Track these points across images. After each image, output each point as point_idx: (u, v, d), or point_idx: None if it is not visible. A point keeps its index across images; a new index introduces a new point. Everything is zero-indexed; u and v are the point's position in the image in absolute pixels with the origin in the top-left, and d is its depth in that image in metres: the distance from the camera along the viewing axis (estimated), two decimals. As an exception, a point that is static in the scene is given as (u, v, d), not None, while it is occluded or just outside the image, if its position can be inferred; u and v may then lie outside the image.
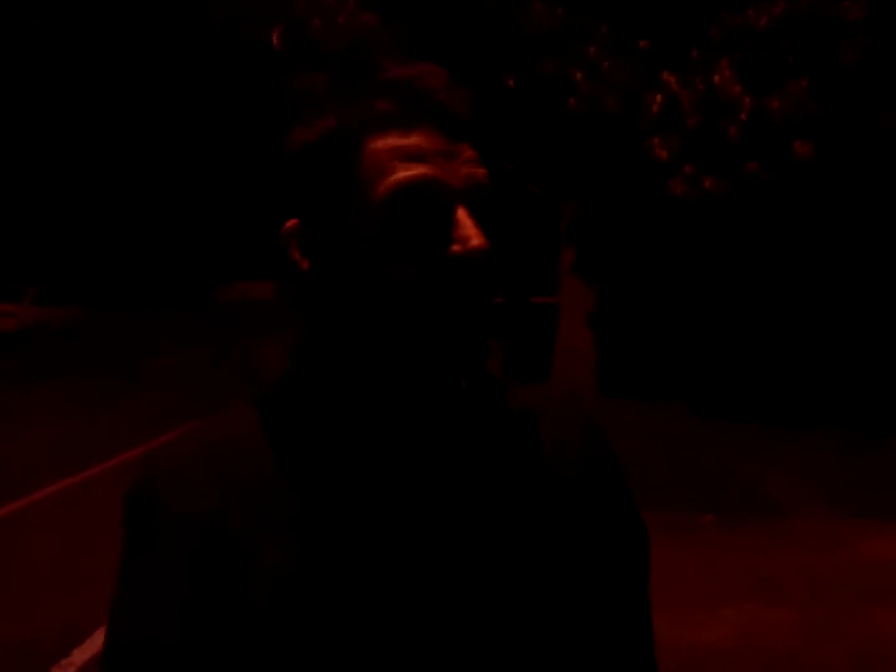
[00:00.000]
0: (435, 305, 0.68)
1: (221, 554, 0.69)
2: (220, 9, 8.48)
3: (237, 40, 8.54)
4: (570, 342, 10.51)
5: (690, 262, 10.43)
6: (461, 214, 0.69)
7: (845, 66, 7.90)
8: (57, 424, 8.77)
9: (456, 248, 0.68)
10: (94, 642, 3.75)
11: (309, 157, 0.72)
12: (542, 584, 0.72)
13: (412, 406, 0.73)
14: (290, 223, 0.73)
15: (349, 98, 0.73)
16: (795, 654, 3.82)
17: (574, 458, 0.79)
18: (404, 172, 0.68)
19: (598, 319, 10.67)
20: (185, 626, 0.68)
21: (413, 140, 0.69)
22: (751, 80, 8.03)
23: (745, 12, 8.08)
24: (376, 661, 0.67)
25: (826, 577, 4.72)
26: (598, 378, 10.49)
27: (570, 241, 10.50)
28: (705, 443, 8.14)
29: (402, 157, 0.69)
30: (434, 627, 0.68)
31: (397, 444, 0.72)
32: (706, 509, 5.94)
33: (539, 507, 0.75)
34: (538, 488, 0.76)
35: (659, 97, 8.20)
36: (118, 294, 26.55)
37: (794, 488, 6.58)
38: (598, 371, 10.56)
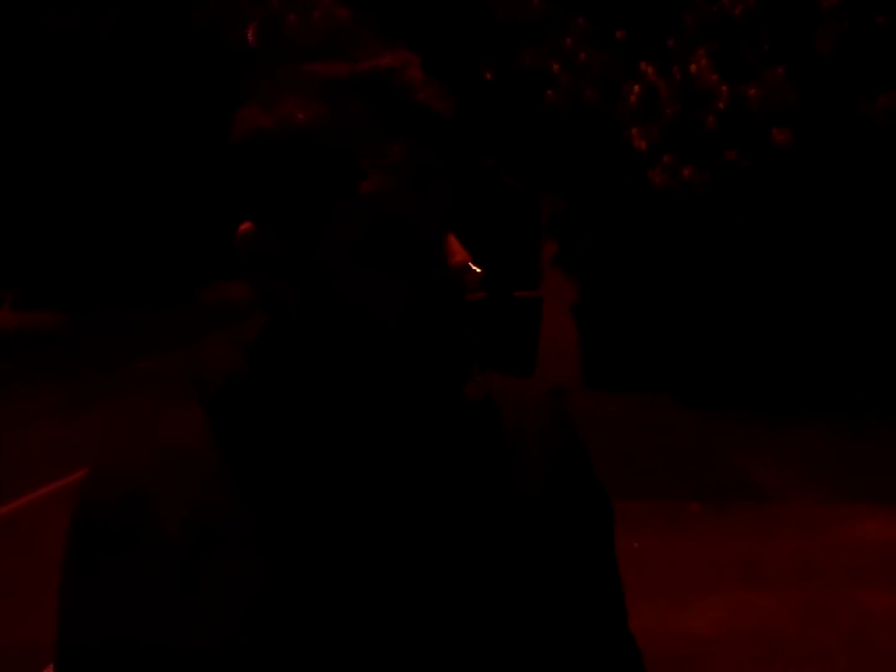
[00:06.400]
0: (422, 322, 0.66)
1: (175, 567, 0.66)
2: (194, 7, 8.42)
3: (214, 38, 8.47)
4: (553, 335, 10.54)
5: (671, 251, 10.47)
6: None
7: (821, 53, 7.94)
8: (41, 429, 8.70)
9: (448, 263, 0.66)
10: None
11: (262, 146, 0.64)
12: (513, 578, 0.69)
13: (380, 415, 0.68)
14: (244, 226, 0.66)
15: (317, 91, 0.63)
16: (785, 639, 3.85)
17: (536, 441, 0.76)
18: (382, 210, 0.63)
19: (582, 311, 10.70)
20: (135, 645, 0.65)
21: (391, 154, 0.63)
22: (728, 69, 8.06)
23: (720, 1, 8.09)
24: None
25: (814, 562, 4.75)
26: (583, 369, 10.52)
27: (551, 234, 10.52)
28: (691, 431, 8.17)
29: (379, 171, 0.62)
30: (408, 633, 0.65)
31: (359, 452, 0.68)
32: (693, 497, 5.96)
33: (503, 497, 0.72)
34: (499, 476, 0.73)
35: (637, 87, 8.21)
36: (99, 296, 26.32)
37: (780, 474, 6.62)
38: (583, 363, 10.60)
